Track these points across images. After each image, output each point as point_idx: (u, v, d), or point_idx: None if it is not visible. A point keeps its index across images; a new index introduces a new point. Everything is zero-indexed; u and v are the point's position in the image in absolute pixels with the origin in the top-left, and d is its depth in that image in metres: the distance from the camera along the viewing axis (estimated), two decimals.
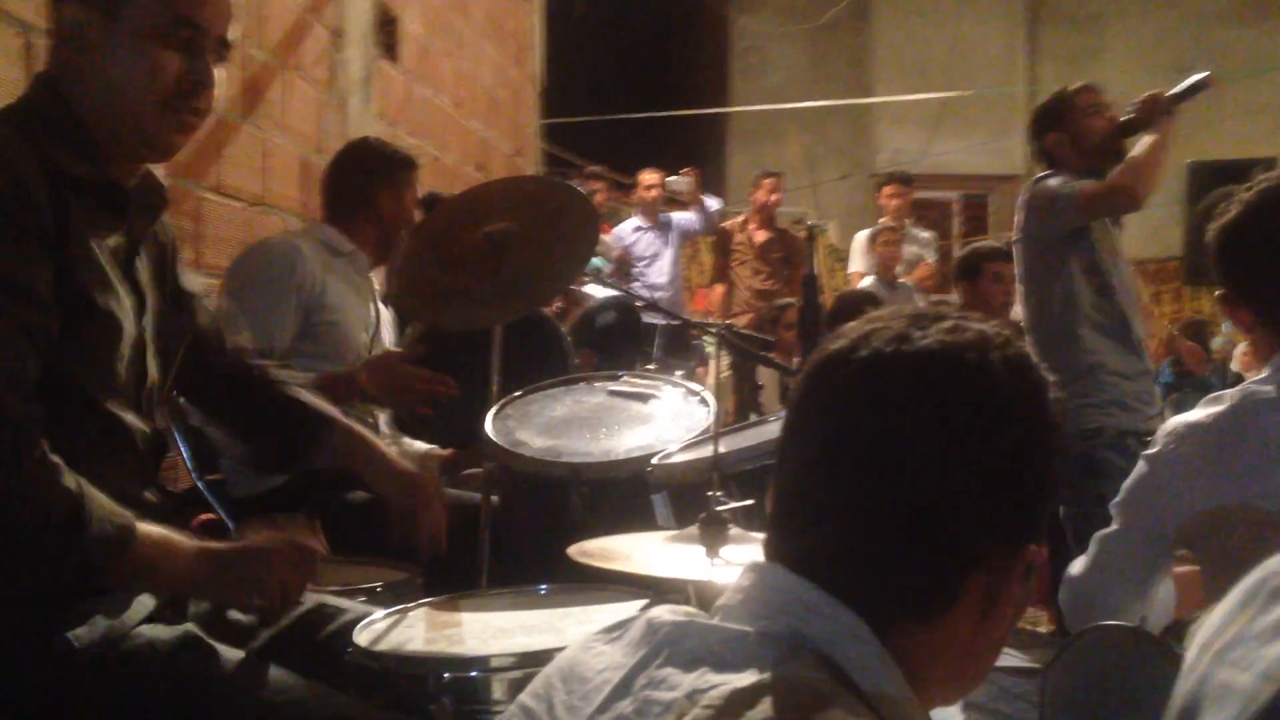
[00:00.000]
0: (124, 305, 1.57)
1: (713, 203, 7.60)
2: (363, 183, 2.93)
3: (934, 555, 0.91)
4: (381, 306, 3.03)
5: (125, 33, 1.53)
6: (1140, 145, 3.39)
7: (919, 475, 0.90)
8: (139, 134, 1.57)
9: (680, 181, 7.31)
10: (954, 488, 0.90)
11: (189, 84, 1.57)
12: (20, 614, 1.40)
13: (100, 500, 1.40)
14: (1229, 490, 1.67)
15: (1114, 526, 1.85)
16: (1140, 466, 1.81)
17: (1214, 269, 1.78)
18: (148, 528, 1.45)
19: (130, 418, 1.59)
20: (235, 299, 2.74)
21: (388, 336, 3.04)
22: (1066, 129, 3.54)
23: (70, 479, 1.39)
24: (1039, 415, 0.94)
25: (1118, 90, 11.75)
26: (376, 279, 3.01)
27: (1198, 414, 1.75)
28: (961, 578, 0.91)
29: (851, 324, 0.97)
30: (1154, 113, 3.40)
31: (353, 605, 1.76)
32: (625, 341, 3.81)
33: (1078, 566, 1.91)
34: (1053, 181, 3.48)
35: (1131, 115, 3.46)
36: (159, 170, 1.68)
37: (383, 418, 2.87)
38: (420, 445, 2.92)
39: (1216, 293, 1.84)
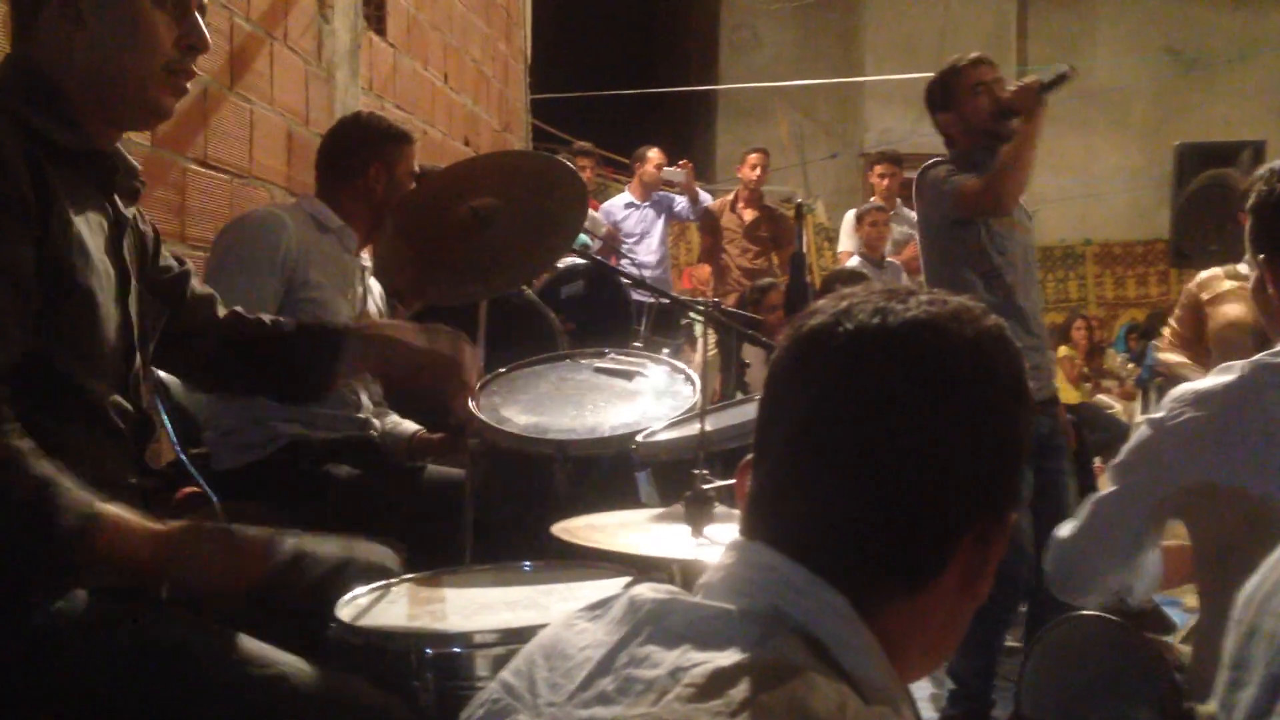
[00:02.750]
0: (108, 284, 1.56)
1: (705, 196, 7.62)
2: (355, 157, 2.88)
3: (921, 528, 0.91)
4: (373, 283, 3.00)
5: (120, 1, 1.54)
6: (1010, 145, 3.36)
7: (908, 446, 0.90)
8: (141, 99, 1.58)
9: (676, 172, 7.32)
10: (943, 458, 0.90)
11: (185, 45, 1.59)
12: None
13: (66, 489, 1.38)
14: (1224, 467, 1.67)
15: (1110, 489, 1.84)
16: (1143, 430, 1.80)
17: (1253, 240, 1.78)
18: (109, 514, 1.41)
19: (116, 399, 1.58)
20: (215, 269, 2.72)
21: (375, 308, 3.01)
22: (955, 107, 3.51)
23: (38, 465, 1.37)
24: (1018, 384, 0.95)
25: (1106, 72, 11.67)
26: (368, 255, 2.99)
27: (1209, 381, 1.74)
28: (948, 548, 0.92)
29: (825, 300, 0.97)
30: (1028, 102, 3.36)
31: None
32: (601, 314, 3.78)
33: (1066, 529, 1.91)
34: (938, 171, 3.49)
35: (1010, 98, 3.42)
36: (135, 152, 1.67)
37: (364, 396, 2.86)
38: (409, 425, 2.91)
39: (1253, 263, 1.82)
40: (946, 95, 3.52)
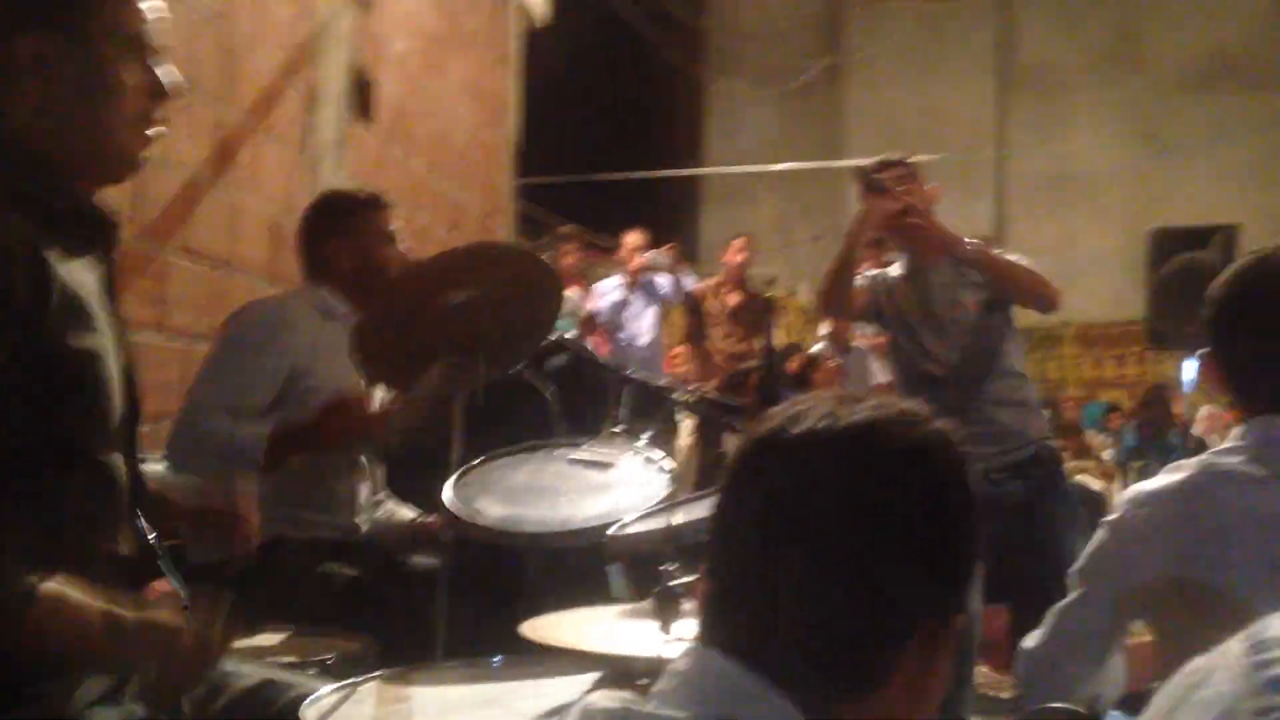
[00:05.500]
0: (108, 342, 1.53)
1: (690, 279, 7.68)
2: (316, 239, 2.86)
3: (869, 633, 0.92)
4: None
5: (89, 55, 1.53)
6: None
7: (849, 551, 0.92)
8: (116, 152, 1.57)
9: (661, 257, 7.38)
10: (884, 562, 0.92)
11: (153, 93, 1.59)
12: None
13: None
14: (1183, 563, 1.69)
15: (1072, 595, 1.86)
16: (1100, 533, 1.82)
17: (1204, 331, 1.81)
18: (56, 596, 1.35)
19: (117, 458, 1.55)
20: (217, 357, 2.72)
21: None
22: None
23: None
24: (962, 488, 0.97)
25: (1084, 157, 11.85)
26: None
27: (1158, 482, 1.76)
28: (896, 653, 0.93)
29: (777, 408, 0.99)
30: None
31: (302, 680, 1.74)
32: (582, 394, 3.77)
33: (1033, 639, 1.92)
34: None
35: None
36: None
37: (363, 491, 2.82)
38: (406, 513, 2.89)
39: (1199, 353, 1.86)
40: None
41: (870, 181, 3.51)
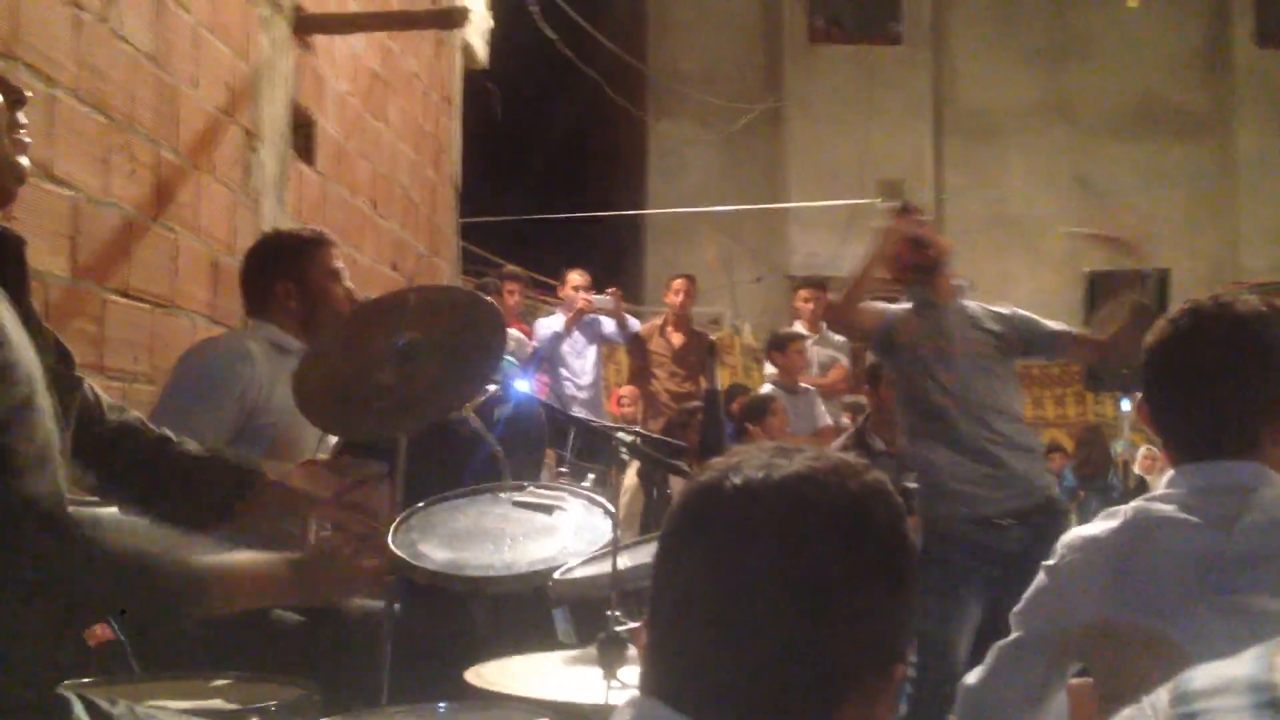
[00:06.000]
0: (37, 371, 1.46)
1: (634, 323, 7.70)
2: (261, 279, 2.88)
3: (808, 686, 0.93)
4: None
5: None
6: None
7: (785, 603, 0.92)
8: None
9: (605, 300, 7.40)
10: (825, 617, 0.93)
11: (12, 100, 1.56)
12: None
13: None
14: (1121, 606, 1.72)
15: (1012, 636, 1.89)
16: (1039, 577, 1.85)
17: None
18: (223, 566, 1.62)
19: (63, 495, 1.47)
20: (171, 395, 2.69)
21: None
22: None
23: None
24: (900, 539, 0.98)
25: (1020, 200, 12.14)
26: None
27: (1094, 528, 1.80)
28: (836, 706, 0.93)
29: (718, 459, 1.00)
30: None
31: None
32: (525, 437, 3.77)
33: (974, 676, 1.94)
34: None
35: None
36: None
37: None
38: None
39: (1135, 396, 1.91)
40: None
41: (904, 204, 3.66)
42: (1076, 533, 1.83)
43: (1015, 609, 1.88)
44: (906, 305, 3.80)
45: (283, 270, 2.86)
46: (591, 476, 3.77)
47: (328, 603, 1.79)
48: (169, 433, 1.92)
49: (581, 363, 7.45)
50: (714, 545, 0.96)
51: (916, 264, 3.72)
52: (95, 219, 3.13)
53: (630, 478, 5.60)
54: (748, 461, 0.97)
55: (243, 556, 1.68)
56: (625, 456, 2.40)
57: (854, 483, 0.97)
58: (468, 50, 7.25)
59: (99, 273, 3.18)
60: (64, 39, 2.96)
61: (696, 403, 6.67)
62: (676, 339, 7.58)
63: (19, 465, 1.38)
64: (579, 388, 7.28)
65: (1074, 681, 1.89)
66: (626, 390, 7.67)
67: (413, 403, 2.33)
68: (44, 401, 1.46)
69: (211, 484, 1.90)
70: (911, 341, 3.71)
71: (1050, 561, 1.82)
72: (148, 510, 1.93)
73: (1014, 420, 3.71)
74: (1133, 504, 1.78)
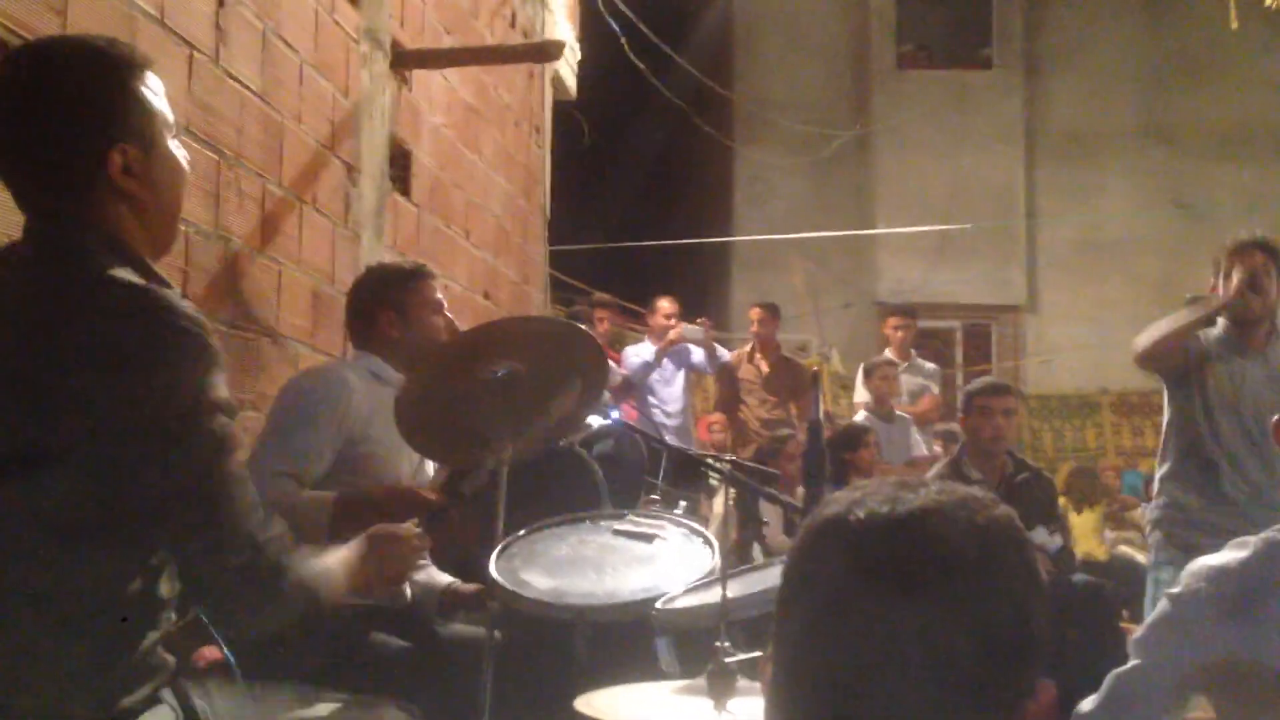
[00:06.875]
0: None
1: (723, 353, 7.70)
2: (366, 309, 2.97)
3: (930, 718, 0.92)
4: None
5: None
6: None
7: (912, 634, 0.92)
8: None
9: (695, 331, 7.41)
10: (946, 646, 0.92)
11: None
12: None
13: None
14: (1245, 642, 1.66)
15: (1131, 663, 1.83)
16: (1163, 605, 1.80)
17: None
18: (316, 573, 1.75)
19: None
20: (271, 418, 2.77)
21: (432, 465, 3.02)
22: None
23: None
24: (1028, 570, 0.97)
25: (1116, 224, 11.81)
26: None
27: (1222, 557, 1.75)
28: None
29: (841, 492, 1.00)
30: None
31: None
32: (626, 472, 3.79)
33: (1089, 704, 1.89)
34: None
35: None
36: None
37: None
38: (443, 578, 2.90)
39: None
40: None
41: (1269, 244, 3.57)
42: (1203, 561, 1.77)
43: (1135, 636, 1.82)
44: (1209, 343, 3.71)
45: (387, 301, 2.94)
46: (684, 504, 3.75)
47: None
48: None
49: (670, 390, 7.46)
50: (835, 579, 0.95)
51: (1248, 306, 3.64)
52: (206, 251, 3.23)
53: (719, 506, 5.58)
54: (872, 495, 0.97)
55: (332, 558, 1.81)
56: (715, 483, 2.40)
57: (982, 515, 0.95)
58: (557, 81, 7.35)
59: (209, 303, 3.27)
60: (179, 78, 3.06)
61: (786, 430, 6.63)
62: (765, 366, 7.56)
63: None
64: (667, 415, 7.29)
65: (1194, 716, 1.83)
66: (716, 417, 7.66)
67: (512, 432, 2.35)
68: None
69: None
70: (1203, 385, 3.64)
71: (1175, 590, 1.77)
72: None
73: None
74: (1263, 534, 1.72)
